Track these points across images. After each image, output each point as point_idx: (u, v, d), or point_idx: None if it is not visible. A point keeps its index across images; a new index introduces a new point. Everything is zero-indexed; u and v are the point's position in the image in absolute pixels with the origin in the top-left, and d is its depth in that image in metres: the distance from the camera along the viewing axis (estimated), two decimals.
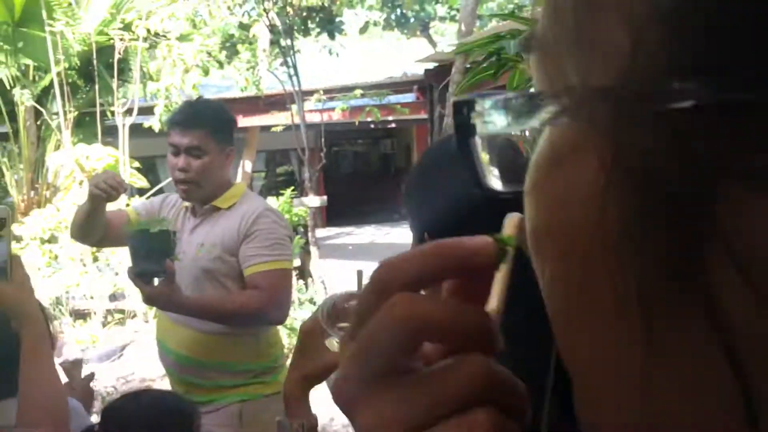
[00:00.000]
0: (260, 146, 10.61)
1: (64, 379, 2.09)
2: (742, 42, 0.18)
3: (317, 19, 9.23)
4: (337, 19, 9.79)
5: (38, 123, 8.13)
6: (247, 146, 9.77)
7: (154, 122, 7.52)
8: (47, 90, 7.95)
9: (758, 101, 0.18)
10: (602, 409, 0.24)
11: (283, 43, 7.71)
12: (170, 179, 2.22)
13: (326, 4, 8.79)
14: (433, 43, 13.22)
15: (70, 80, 7.73)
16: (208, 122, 2.10)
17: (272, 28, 7.77)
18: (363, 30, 13.99)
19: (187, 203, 2.19)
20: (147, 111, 7.76)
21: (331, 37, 9.86)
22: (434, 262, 0.27)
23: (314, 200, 7.59)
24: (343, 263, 7.92)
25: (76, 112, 7.95)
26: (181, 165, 2.06)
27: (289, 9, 7.92)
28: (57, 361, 2.21)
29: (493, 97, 0.27)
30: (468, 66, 4.36)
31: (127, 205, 4.52)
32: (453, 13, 12.79)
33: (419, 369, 0.26)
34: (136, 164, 7.54)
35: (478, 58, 1.87)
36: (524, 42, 0.27)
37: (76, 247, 6.16)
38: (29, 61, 7.73)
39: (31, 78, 7.95)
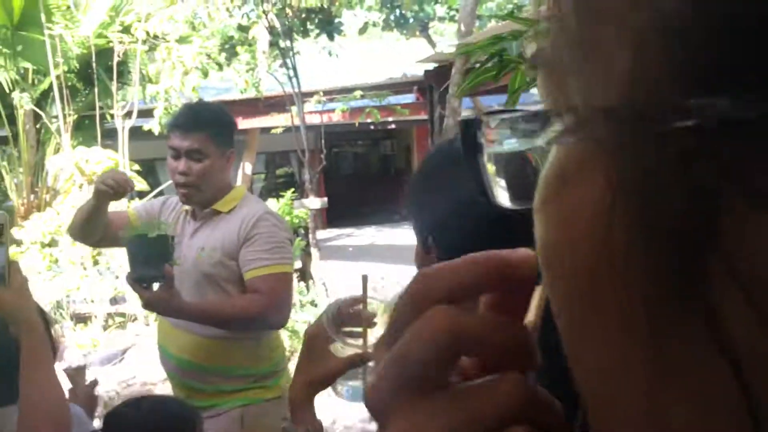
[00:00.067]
0: (260, 148, 10.63)
1: (67, 385, 2.09)
2: (745, 61, 0.18)
3: (316, 21, 9.26)
4: (336, 20, 9.82)
5: (38, 126, 8.14)
6: (247, 148, 9.78)
7: (153, 125, 7.54)
8: (46, 93, 7.97)
9: (762, 119, 0.18)
10: (611, 425, 0.24)
11: (282, 44, 7.72)
12: (170, 182, 2.22)
13: (325, 5, 8.81)
14: (433, 44, 13.24)
15: (69, 83, 7.75)
16: (209, 125, 2.09)
17: (271, 29, 7.77)
18: (362, 31, 14.01)
19: (187, 207, 2.18)
20: (146, 114, 7.78)
21: (331, 38, 9.89)
22: (474, 275, 0.27)
23: (315, 202, 7.60)
24: (344, 264, 7.94)
25: (76, 116, 7.97)
26: (181, 168, 2.05)
27: (288, 10, 7.95)
28: (60, 366, 2.21)
29: (500, 116, 0.27)
30: (469, 67, 4.36)
31: (128, 206, 4.52)
32: (452, 13, 12.83)
33: (456, 383, 0.26)
34: (136, 167, 7.54)
35: (479, 59, 1.87)
36: (532, 59, 0.27)
37: (77, 250, 6.16)
38: (28, 65, 7.75)
39: (30, 81, 7.96)
